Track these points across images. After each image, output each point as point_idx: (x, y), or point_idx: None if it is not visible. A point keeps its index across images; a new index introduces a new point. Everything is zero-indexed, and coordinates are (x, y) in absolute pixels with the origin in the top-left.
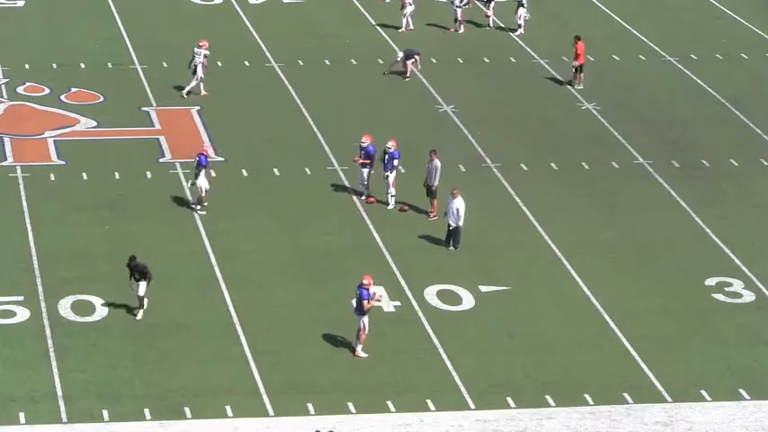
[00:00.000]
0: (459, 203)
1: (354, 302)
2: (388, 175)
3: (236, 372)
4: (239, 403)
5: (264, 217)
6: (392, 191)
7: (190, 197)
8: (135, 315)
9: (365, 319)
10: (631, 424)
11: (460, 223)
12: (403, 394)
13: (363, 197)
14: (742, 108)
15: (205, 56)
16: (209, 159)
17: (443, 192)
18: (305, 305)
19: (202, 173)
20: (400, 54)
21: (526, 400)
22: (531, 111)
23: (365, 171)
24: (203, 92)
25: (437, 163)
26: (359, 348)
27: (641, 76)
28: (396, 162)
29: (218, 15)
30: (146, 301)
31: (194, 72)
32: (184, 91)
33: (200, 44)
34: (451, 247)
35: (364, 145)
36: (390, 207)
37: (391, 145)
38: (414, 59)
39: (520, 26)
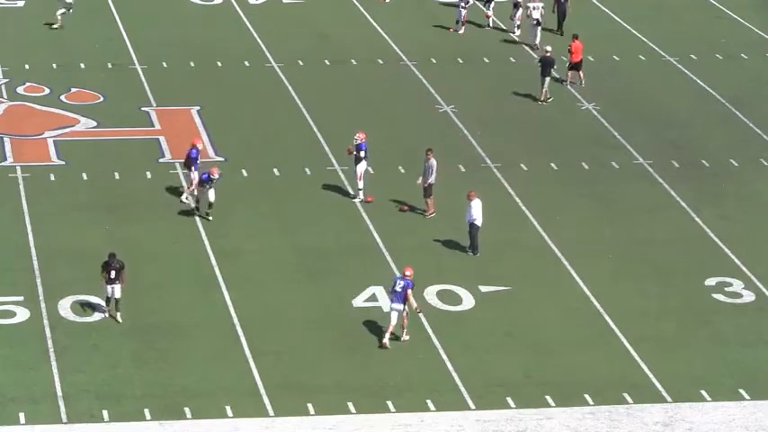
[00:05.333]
0: (475, 206)
1: (393, 292)
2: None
3: (236, 372)
4: (239, 403)
5: (264, 217)
6: (360, 184)
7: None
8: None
9: (405, 307)
10: (631, 424)
11: (477, 223)
12: (403, 394)
13: (358, 198)
14: (742, 107)
15: (543, 7)
16: (211, 178)
17: (447, 194)
18: (305, 305)
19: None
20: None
21: (526, 400)
22: (531, 111)
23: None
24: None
25: (433, 162)
26: (404, 333)
27: (641, 76)
28: (363, 154)
29: (218, 15)
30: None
31: (537, 24)
32: (537, 41)
33: None
34: (470, 252)
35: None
36: (358, 199)
37: (358, 137)
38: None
39: (518, 27)
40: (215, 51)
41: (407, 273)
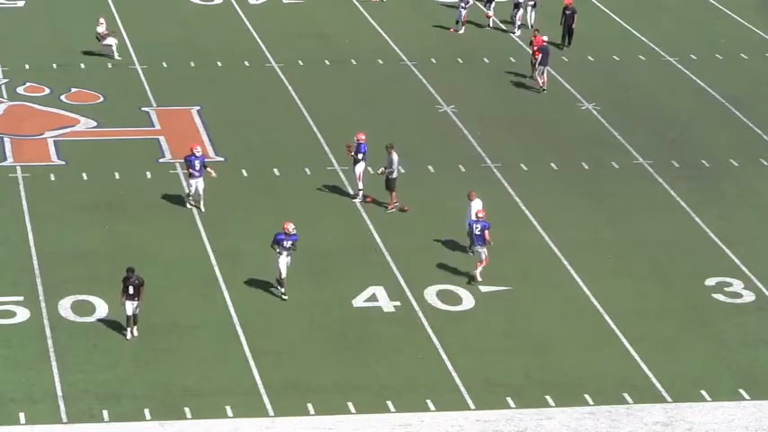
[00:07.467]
0: (476, 205)
1: (470, 234)
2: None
3: (236, 372)
4: (239, 403)
5: (264, 217)
6: (360, 184)
7: (282, 275)
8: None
9: (486, 249)
10: (631, 424)
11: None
12: (403, 394)
13: (359, 199)
14: (742, 107)
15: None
16: (287, 238)
17: (447, 194)
18: (305, 305)
19: (284, 254)
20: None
21: (526, 400)
22: (531, 111)
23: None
24: None
25: (395, 156)
26: (477, 273)
27: (641, 76)
28: (360, 156)
29: (218, 15)
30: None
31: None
32: (532, 22)
33: None
34: (470, 252)
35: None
36: (358, 200)
37: (356, 138)
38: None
39: (519, 27)
40: (215, 51)
41: (480, 214)
